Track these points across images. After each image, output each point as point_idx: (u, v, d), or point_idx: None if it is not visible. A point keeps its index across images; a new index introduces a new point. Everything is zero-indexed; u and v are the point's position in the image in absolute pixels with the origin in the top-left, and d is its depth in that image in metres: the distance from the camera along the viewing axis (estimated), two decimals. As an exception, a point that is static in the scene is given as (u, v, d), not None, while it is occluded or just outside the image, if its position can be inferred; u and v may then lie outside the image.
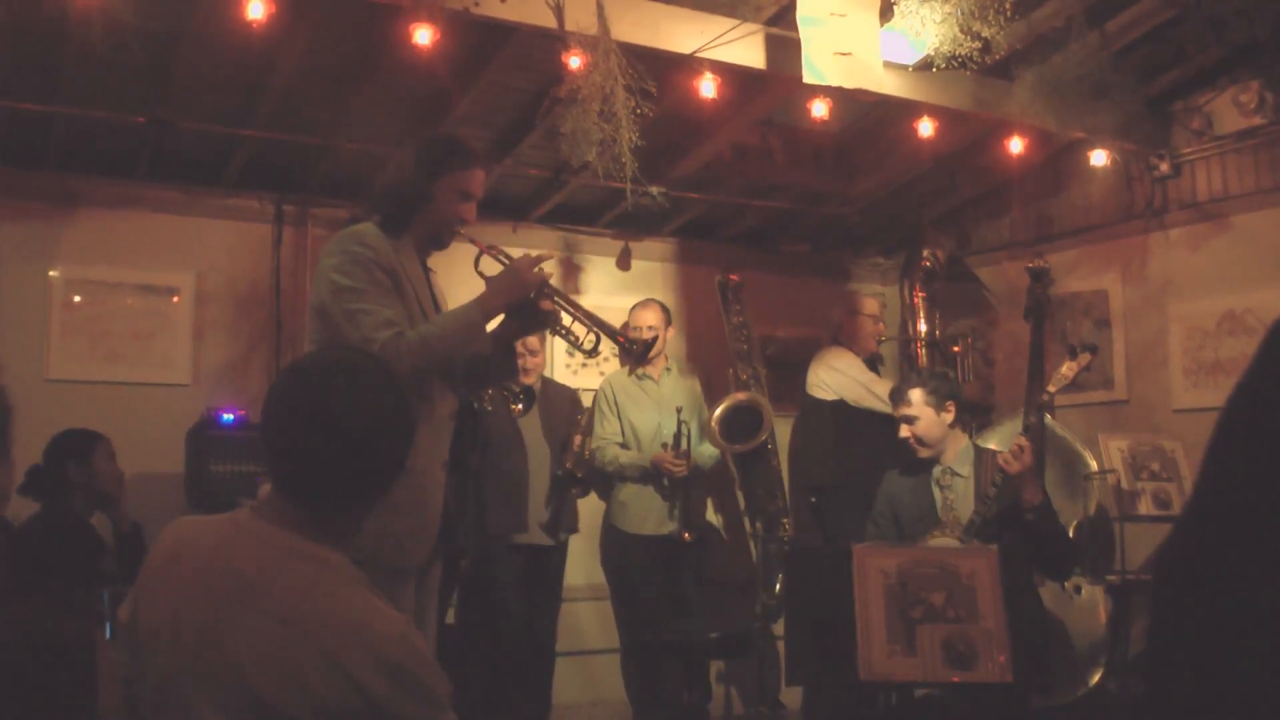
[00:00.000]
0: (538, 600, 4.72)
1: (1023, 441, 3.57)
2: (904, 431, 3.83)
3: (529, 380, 4.70)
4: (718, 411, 5.08)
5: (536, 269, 2.76)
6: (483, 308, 2.70)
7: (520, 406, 4.47)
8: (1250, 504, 0.90)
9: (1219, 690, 0.89)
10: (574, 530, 4.92)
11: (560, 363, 5.43)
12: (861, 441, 4.84)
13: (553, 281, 5.34)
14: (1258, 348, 0.97)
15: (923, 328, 5.56)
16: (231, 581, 1.57)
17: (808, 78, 3.83)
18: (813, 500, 5.06)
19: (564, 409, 4.97)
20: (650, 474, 4.99)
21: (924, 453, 3.80)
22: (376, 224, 2.74)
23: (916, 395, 3.80)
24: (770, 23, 3.99)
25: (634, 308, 5.27)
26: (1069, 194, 5.50)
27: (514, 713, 4.51)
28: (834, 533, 4.79)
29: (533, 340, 4.65)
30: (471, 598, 4.47)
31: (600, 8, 3.65)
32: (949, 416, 3.79)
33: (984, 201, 5.86)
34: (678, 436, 4.95)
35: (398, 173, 2.85)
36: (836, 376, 5.04)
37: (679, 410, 4.97)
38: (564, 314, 2.93)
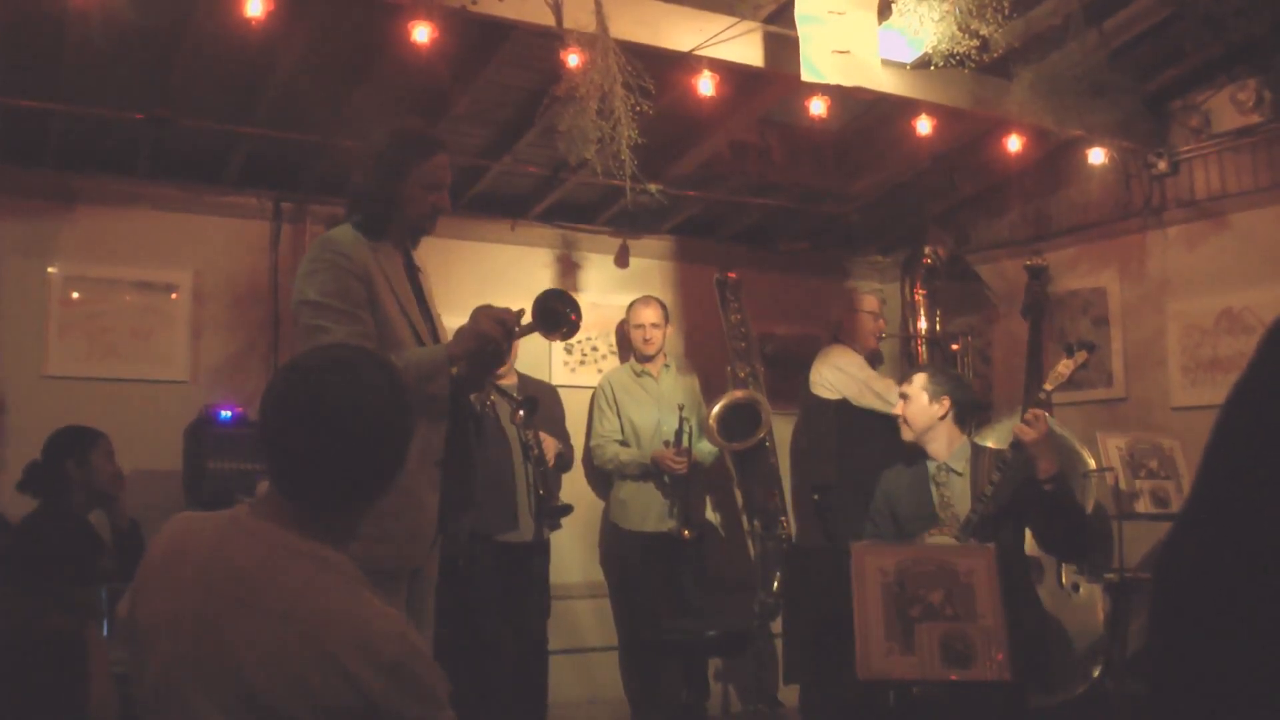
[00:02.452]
0: (526, 598, 4.68)
1: (1037, 411, 3.58)
2: (898, 408, 3.94)
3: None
4: (715, 409, 5.08)
5: (496, 325, 2.70)
6: (449, 352, 2.71)
7: (523, 413, 4.46)
8: (1250, 502, 0.90)
9: (1220, 688, 0.89)
10: (556, 527, 4.80)
11: (559, 360, 5.42)
12: (865, 440, 4.83)
13: (551, 279, 5.41)
14: (1257, 346, 0.97)
15: (923, 325, 5.56)
16: (230, 579, 1.57)
17: (806, 76, 3.83)
18: (816, 498, 5.05)
19: (549, 405, 4.93)
20: (650, 471, 4.99)
21: (906, 434, 3.88)
22: (355, 225, 2.73)
23: (919, 379, 3.92)
24: (769, 21, 3.99)
25: (633, 304, 5.28)
26: (1067, 192, 5.50)
27: (511, 711, 4.50)
28: (837, 532, 4.78)
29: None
30: (452, 595, 4.42)
31: (599, 6, 3.64)
32: (939, 410, 3.82)
33: (982, 199, 5.85)
34: (679, 434, 4.95)
35: (363, 178, 2.80)
36: (839, 375, 5.05)
37: (680, 407, 4.96)
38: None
